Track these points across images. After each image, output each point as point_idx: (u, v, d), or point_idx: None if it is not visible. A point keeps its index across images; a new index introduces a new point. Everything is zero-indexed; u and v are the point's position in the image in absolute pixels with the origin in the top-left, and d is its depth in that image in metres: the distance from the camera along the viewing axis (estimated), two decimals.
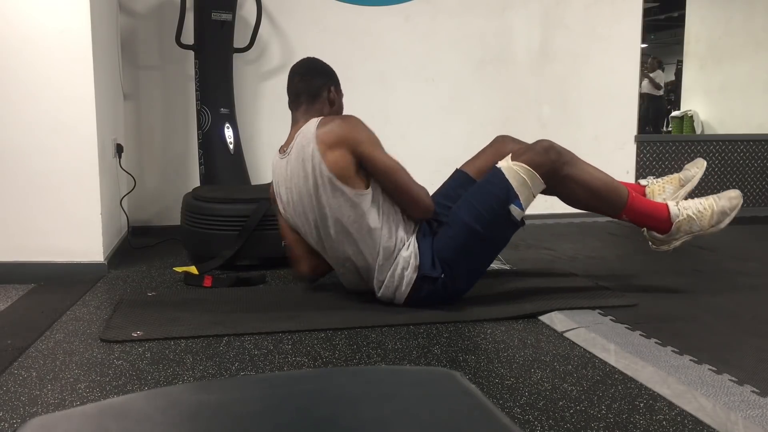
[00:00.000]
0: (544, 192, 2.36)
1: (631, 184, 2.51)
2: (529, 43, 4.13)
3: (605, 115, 4.26)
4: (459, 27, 4.04)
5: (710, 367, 1.72)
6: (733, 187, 4.43)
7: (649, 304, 2.31)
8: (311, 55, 2.55)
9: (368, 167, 2.22)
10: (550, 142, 2.32)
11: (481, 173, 2.40)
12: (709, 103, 7.15)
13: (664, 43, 13.09)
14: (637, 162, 4.34)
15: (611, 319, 2.12)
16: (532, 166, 2.25)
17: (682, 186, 2.44)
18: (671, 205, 2.34)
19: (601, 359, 1.82)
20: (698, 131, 7.24)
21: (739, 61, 6.12)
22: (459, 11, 4.03)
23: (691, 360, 1.77)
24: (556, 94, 4.20)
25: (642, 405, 1.53)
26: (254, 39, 3.64)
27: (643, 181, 2.50)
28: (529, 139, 4.27)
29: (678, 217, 2.31)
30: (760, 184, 4.57)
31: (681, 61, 8.17)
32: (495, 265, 2.75)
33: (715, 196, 2.33)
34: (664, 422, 1.44)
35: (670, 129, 9.40)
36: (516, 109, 4.16)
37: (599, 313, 2.19)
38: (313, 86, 2.37)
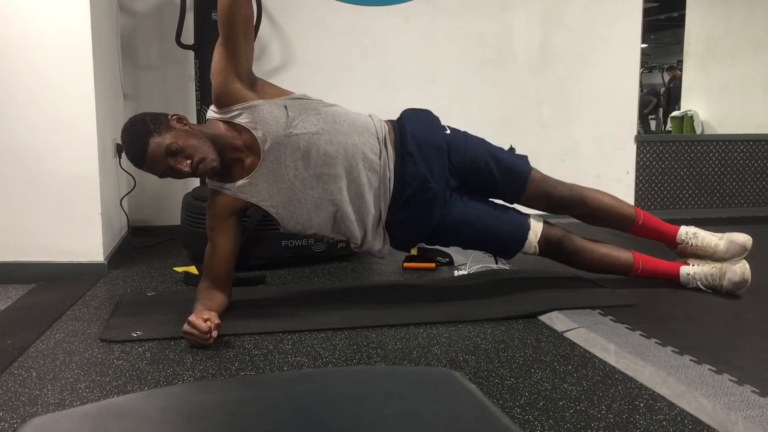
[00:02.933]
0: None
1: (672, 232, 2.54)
2: (529, 43, 4.13)
3: (605, 115, 4.26)
4: (459, 27, 4.04)
5: (710, 367, 1.72)
6: (733, 187, 4.47)
7: (649, 304, 2.31)
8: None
9: None
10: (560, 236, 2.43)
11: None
12: (709, 103, 7.15)
13: (664, 43, 13.09)
14: (637, 162, 4.34)
15: (611, 319, 2.12)
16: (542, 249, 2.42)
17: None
18: (683, 272, 2.47)
19: (601, 359, 1.82)
20: (698, 131, 7.24)
21: (739, 61, 6.11)
22: (459, 11, 4.03)
23: (691, 360, 1.77)
24: (556, 94, 4.20)
25: (642, 405, 1.53)
26: (254, 39, 3.64)
27: (682, 234, 2.52)
28: (529, 140, 4.28)
29: (688, 284, 2.46)
30: (760, 184, 4.57)
31: (681, 61, 8.17)
32: (495, 265, 2.75)
33: (726, 273, 2.39)
34: (664, 422, 1.44)
35: (669, 129, 9.40)
36: (516, 109, 4.16)
37: (599, 313, 2.19)
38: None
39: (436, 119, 2.41)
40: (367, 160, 2.20)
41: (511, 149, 2.49)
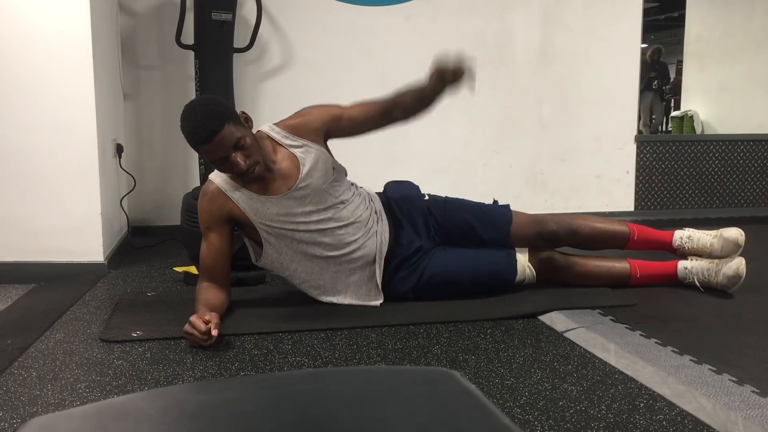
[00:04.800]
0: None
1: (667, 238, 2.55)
2: (529, 43, 4.13)
3: (605, 115, 4.26)
4: (459, 27, 4.04)
5: (710, 367, 1.72)
6: (734, 187, 4.47)
7: (649, 304, 2.31)
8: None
9: None
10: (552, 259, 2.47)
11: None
12: (709, 103, 7.16)
13: (664, 43, 13.09)
14: (637, 162, 4.34)
15: (611, 319, 2.12)
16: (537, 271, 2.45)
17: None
18: (681, 266, 2.48)
19: (601, 359, 1.82)
20: (698, 131, 7.24)
21: (739, 61, 6.12)
22: (459, 11, 4.03)
23: (691, 360, 1.77)
24: (556, 94, 4.20)
25: (642, 405, 1.53)
26: (254, 39, 3.64)
27: (677, 239, 2.52)
28: (529, 140, 4.28)
29: (686, 279, 2.47)
30: (760, 184, 4.57)
31: (681, 61, 8.18)
32: None
33: (722, 268, 2.39)
34: (664, 422, 1.44)
35: (670, 129, 9.40)
36: (516, 109, 4.16)
37: (599, 313, 2.19)
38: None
39: (416, 188, 2.53)
40: (368, 232, 2.29)
41: (495, 202, 2.57)
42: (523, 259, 2.42)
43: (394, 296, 2.32)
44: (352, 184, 2.37)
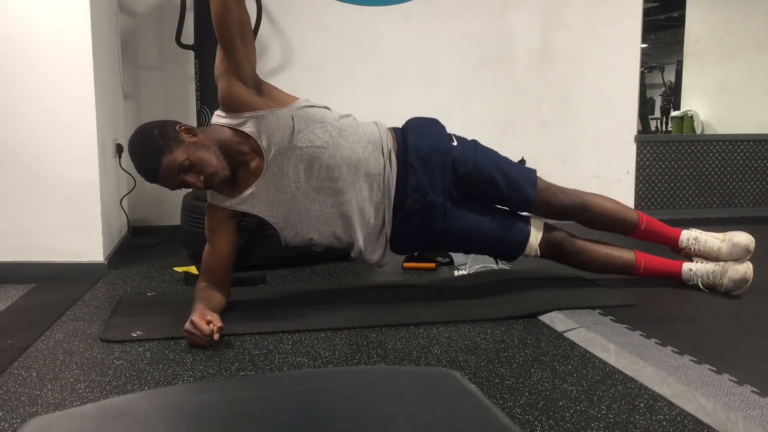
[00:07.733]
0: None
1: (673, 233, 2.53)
2: (529, 43, 4.13)
3: (605, 115, 4.26)
4: (459, 27, 4.04)
5: (710, 367, 1.72)
6: (734, 187, 4.47)
7: (649, 304, 2.31)
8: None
9: None
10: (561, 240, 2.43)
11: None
12: (709, 103, 7.15)
13: (664, 43, 13.09)
14: (637, 162, 4.34)
15: (611, 319, 2.12)
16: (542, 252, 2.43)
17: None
18: (685, 268, 2.47)
19: (601, 359, 1.82)
20: (698, 131, 7.23)
21: (739, 61, 6.11)
22: (459, 11, 4.03)
23: (691, 360, 1.77)
24: (556, 94, 4.20)
25: (642, 405, 1.53)
26: (254, 39, 3.64)
27: (683, 240, 2.51)
28: (529, 140, 4.28)
29: (689, 281, 2.47)
30: (760, 184, 4.57)
31: (681, 61, 8.17)
32: (495, 266, 2.75)
33: (728, 271, 2.38)
34: (664, 422, 1.44)
35: (670, 129, 9.39)
36: (516, 109, 4.16)
37: (599, 313, 2.19)
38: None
39: (443, 129, 2.39)
40: (370, 175, 2.19)
41: (522, 161, 2.48)
42: (534, 240, 2.38)
43: (401, 249, 2.34)
44: (343, 117, 2.23)
